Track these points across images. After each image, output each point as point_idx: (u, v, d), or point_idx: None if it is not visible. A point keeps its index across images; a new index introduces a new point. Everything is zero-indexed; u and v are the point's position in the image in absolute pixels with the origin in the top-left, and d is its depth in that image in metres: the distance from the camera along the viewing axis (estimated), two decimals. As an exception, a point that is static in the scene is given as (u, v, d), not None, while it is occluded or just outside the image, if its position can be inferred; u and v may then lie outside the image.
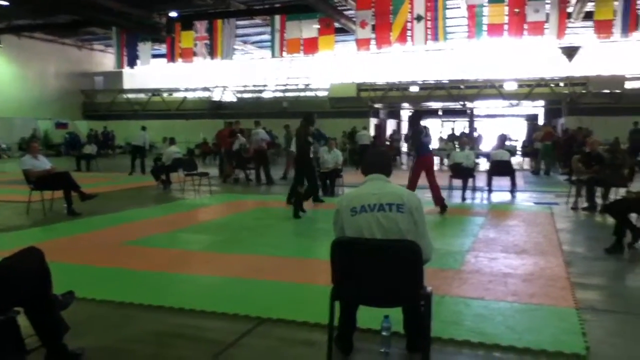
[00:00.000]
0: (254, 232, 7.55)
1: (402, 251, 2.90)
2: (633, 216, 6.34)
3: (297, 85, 29.49)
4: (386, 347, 3.44)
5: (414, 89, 27.45)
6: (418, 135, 9.01)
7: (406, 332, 3.44)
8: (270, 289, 4.80)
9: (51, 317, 3.14)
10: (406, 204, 3.05)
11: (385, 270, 2.93)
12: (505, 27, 21.05)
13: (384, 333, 3.44)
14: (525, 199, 11.09)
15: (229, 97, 30.90)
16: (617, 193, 8.99)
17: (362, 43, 23.04)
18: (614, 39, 21.52)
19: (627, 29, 19.82)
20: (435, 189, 9.07)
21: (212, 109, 29.81)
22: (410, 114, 9.45)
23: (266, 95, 30.53)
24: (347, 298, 3.14)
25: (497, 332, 3.77)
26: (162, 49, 27.87)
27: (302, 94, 29.04)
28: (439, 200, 9.06)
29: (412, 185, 8.86)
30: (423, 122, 9.71)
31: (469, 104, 27.98)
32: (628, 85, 23.42)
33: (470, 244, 6.61)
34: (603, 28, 20.24)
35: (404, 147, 26.27)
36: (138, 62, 27.71)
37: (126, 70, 31.13)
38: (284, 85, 30.00)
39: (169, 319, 4.11)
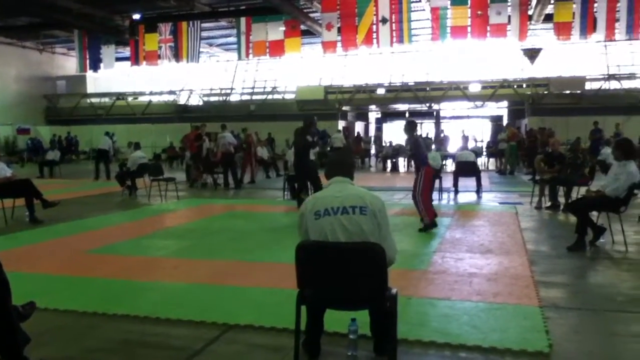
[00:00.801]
0: (221, 236, 7.48)
1: (365, 253, 2.90)
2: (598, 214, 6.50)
3: (264, 88, 29.38)
4: (353, 350, 3.43)
5: (381, 91, 27.70)
6: (419, 146, 8.00)
7: (373, 335, 3.45)
8: (238, 294, 4.76)
9: (11, 328, 3.04)
10: (369, 206, 3.06)
11: (350, 273, 2.94)
12: (469, 29, 21.39)
13: (351, 336, 3.43)
14: (490, 199, 11.27)
15: (196, 100, 30.60)
16: (579, 192, 9.21)
17: (329, 45, 23.17)
18: (573, 41, 22.11)
19: (585, 31, 20.39)
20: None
21: (179, 113, 29.48)
22: (406, 122, 8.10)
23: (233, 98, 30.34)
24: (312, 302, 3.13)
25: (463, 332, 3.81)
26: (126, 51, 27.46)
27: (269, 96, 28.94)
28: (431, 214, 7.75)
29: (427, 203, 7.75)
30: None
31: (435, 106, 28.35)
32: (588, 85, 24.07)
33: (437, 245, 6.68)
34: (562, 30, 20.78)
35: (372, 149, 26.51)
36: (101, 65, 27.29)
37: (90, 73, 30.57)
38: (251, 88, 29.85)
39: (134, 327, 4.03)
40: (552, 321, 4.00)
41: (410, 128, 7.86)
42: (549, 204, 9.69)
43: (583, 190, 8.70)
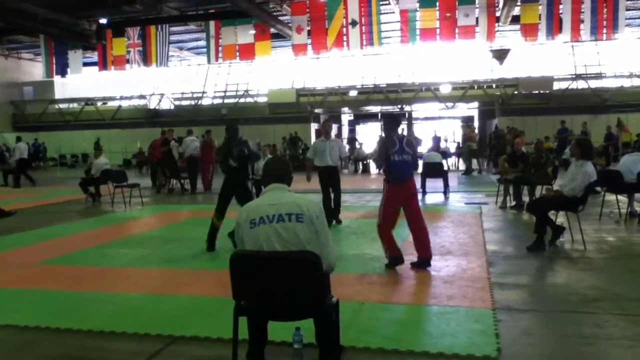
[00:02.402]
0: (181, 244, 7.33)
1: (301, 263, 2.82)
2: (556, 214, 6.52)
3: (236, 91, 29.13)
4: (298, 360, 3.35)
5: (353, 93, 27.69)
6: (380, 151, 5.76)
7: (318, 343, 3.35)
8: (188, 304, 4.64)
9: None
10: (306, 213, 2.97)
11: (286, 283, 2.85)
12: (438, 31, 21.51)
13: (295, 346, 3.35)
14: (457, 199, 11.30)
15: (167, 104, 30.22)
16: (543, 191, 9.25)
17: (299, 48, 23.10)
18: (541, 42, 22.39)
19: (551, 32, 20.65)
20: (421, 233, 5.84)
21: (149, 118, 29.06)
22: (385, 118, 8.19)
23: (205, 102, 30.03)
24: (249, 314, 3.03)
25: (413, 337, 3.75)
26: (94, 56, 26.99)
27: (241, 100, 28.71)
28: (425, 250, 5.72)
29: (386, 236, 5.69)
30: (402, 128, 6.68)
31: (406, 108, 28.45)
32: (556, 85, 24.38)
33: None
34: (529, 31, 21.01)
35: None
36: (68, 70, 26.79)
37: (57, 79, 29.98)
38: (223, 91, 29.59)
39: (74, 342, 3.89)
40: (504, 324, 3.96)
41: (388, 124, 6.05)
42: (513, 203, 9.74)
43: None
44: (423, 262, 5.59)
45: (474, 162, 19.04)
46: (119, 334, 3.96)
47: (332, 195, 8.61)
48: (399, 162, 5.60)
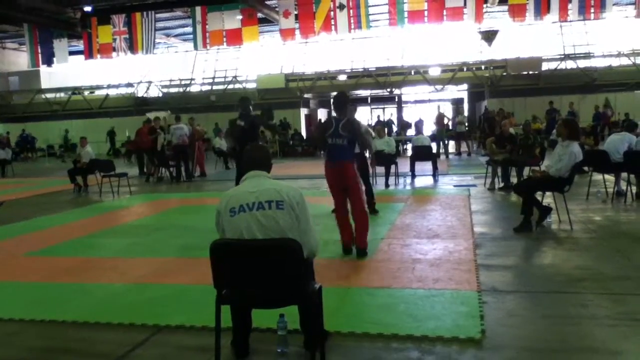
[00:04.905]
0: (169, 233, 7.29)
1: (281, 250, 2.79)
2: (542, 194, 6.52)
3: (224, 77, 28.90)
4: (283, 347, 3.35)
5: (342, 77, 27.56)
6: (318, 131, 5.98)
7: (303, 330, 3.35)
8: (175, 293, 4.61)
9: None
10: (286, 200, 2.94)
11: (266, 271, 2.83)
12: (426, 13, 21.37)
13: (280, 332, 3.36)
14: (446, 182, 11.30)
15: (155, 92, 29.96)
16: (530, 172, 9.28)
17: (287, 33, 22.91)
18: (530, 22, 22.31)
19: (539, 12, 20.60)
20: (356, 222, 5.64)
21: (137, 106, 28.82)
22: (334, 97, 5.91)
23: (193, 89, 29.80)
24: (231, 302, 3.01)
25: (398, 321, 3.75)
26: (80, 45, 26.67)
27: (230, 86, 28.51)
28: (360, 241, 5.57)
29: (337, 212, 5.70)
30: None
31: (396, 91, 28.37)
32: (545, 66, 24.36)
33: (385, 232, 6.61)
34: (517, 12, 20.94)
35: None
36: (54, 59, 26.43)
37: (44, 69, 29.59)
38: (212, 78, 29.34)
39: (58, 333, 3.87)
40: (489, 306, 3.98)
41: (338, 103, 5.72)
42: (501, 185, 9.76)
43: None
44: (358, 252, 5.46)
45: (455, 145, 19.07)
46: (104, 325, 3.94)
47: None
48: (331, 145, 5.50)
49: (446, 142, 18.44)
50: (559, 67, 24.57)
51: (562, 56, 24.51)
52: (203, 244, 6.37)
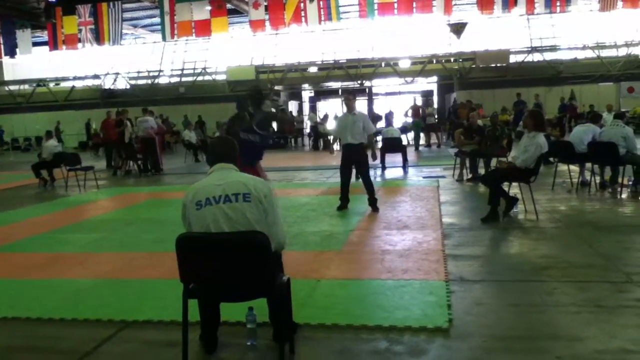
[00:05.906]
0: (135, 227, 7.19)
1: (248, 243, 2.77)
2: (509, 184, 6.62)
3: (194, 69, 28.53)
4: (252, 340, 3.34)
5: (313, 69, 27.51)
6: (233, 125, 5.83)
7: (272, 323, 3.35)
8: (142, 288, 4.56)
9: None
10: (253, 193, 2.91)
11: (233, 265, 2.80)
12: (395, 5, 21.45)
13: (249, 325, 3.34)
14: (415, 173, 11.40)
15: (122, 84, 29.41)
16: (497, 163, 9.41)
17: (257, 24, 22.79)
18: (498, 15, 22.58)
19: (507, 5, 20.88)
20: None
21: (104, 98, 28.27)
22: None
23: (162, 80, 29.33)
24: (199, 296, 2.98)
25: (367, 312, 3.77)
26: (45, 36, 26.02)
27: (199, 78, 28.16)
28: None
29: None
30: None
31: (366, 83, 28.42)
32: (513, 58, 24.70)
33: (355, 223, 6.65)
34: (486, 4, 21.20)
35: (307, 127, 26.39)
36: (17, 50, 25.77)
37: (6, 60, 28.77)
38: (180, 69, 28.94)
39: (21, 331, 3.78)
40: (457, 295, 4.03)
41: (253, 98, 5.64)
42: (470, 176, 9.88)
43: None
44: None
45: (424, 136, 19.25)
46: (70, 321, 3.87)
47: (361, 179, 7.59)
48: (244, 140, 5.42)
49: (421, 133, 18.60)
50: (526, 60, 24.93)
51: (529, 49, 24.87)
52: (172, 237, 6.31)
